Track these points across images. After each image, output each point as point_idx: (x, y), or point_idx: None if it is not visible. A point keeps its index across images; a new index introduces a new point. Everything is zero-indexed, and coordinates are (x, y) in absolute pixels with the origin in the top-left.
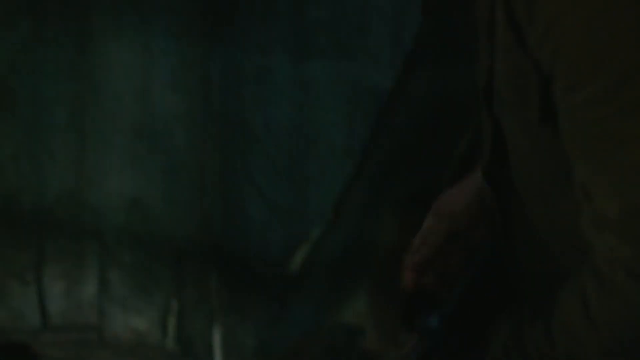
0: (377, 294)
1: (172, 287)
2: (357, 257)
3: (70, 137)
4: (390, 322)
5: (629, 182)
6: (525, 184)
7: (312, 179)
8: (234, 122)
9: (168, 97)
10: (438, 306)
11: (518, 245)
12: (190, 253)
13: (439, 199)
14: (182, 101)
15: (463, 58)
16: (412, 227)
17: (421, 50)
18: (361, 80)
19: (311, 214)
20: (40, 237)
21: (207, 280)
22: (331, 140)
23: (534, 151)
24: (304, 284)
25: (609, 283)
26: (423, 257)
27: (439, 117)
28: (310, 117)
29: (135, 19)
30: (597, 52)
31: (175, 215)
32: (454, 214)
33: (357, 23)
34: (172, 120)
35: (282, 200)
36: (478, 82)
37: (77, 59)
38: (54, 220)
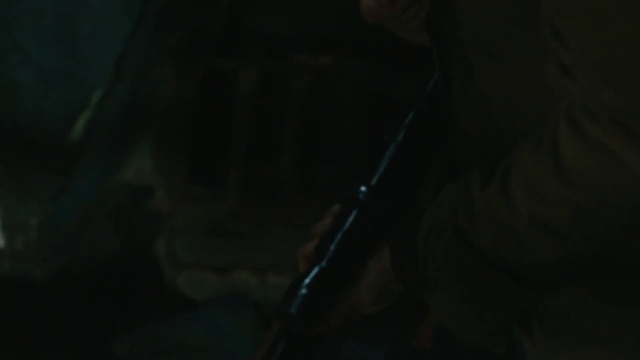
0: (161, 149)
1: None
2: (138, 114)
3: None
4: (179, 178)
5: (615, 26)
6: (472, 32)
7: (86, 39)
8: None
9: None
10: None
11: (458, 108)
12: None
13: None
14: None
15: None
16: (189, 76)
17: None
18: None
19: (89, 77)
20: None
21: None
22: None
23: None
24: (86, 151)
25: (589, 134)
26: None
27: None
28: None
29: None
30: None
31: None
32: None
33: None
34: None
35: (54, 64)
36: None
37: None
38: None
